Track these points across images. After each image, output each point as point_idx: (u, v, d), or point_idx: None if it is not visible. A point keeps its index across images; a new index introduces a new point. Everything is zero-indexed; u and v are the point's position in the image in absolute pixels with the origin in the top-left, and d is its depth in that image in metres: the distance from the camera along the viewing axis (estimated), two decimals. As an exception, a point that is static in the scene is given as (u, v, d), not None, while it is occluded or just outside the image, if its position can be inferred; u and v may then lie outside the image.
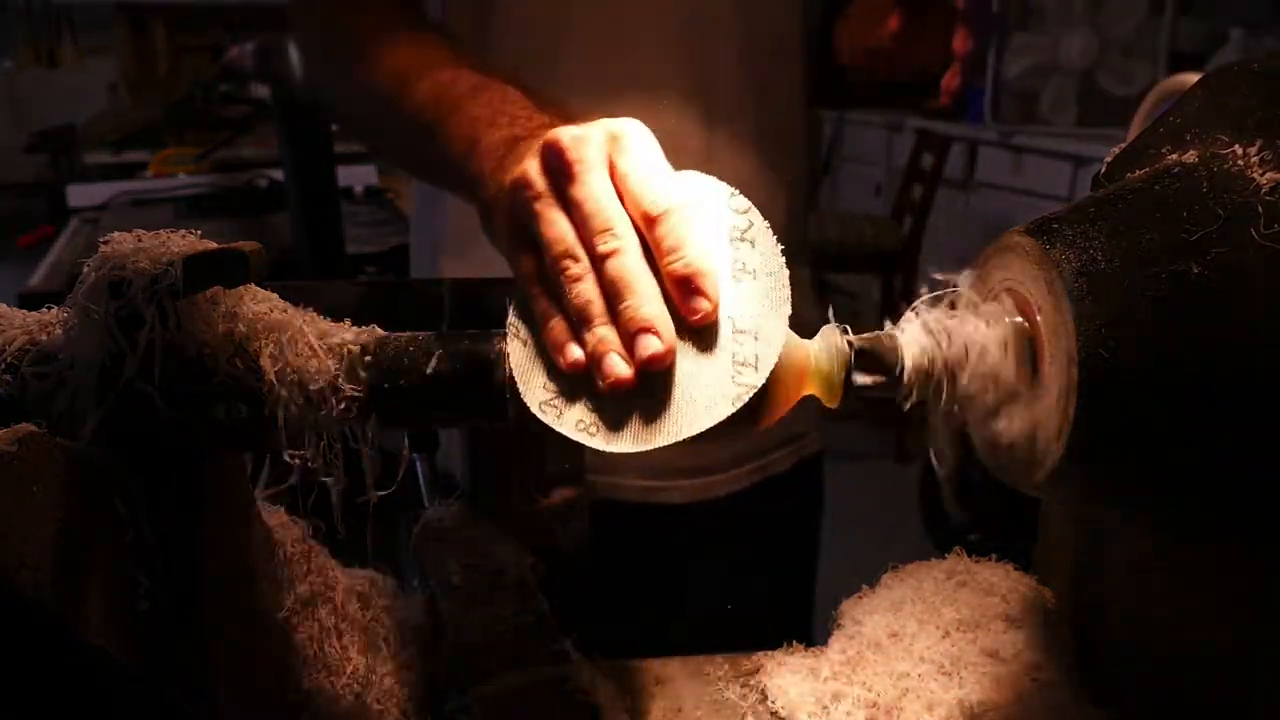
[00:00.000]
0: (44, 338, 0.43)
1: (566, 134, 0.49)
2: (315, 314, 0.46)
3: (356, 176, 2.63)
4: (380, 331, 0.46)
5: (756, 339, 0.46)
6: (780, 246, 0.48)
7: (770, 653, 0.64)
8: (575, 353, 0.46)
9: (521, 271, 0.49)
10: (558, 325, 0.47)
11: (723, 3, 0.83)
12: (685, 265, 0.46)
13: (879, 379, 0.47)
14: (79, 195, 2.54)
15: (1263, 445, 0.42)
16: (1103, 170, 0.53)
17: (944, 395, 0.47)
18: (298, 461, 0.45)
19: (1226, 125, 0.45)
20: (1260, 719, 0.50)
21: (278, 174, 2.28)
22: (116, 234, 0.43)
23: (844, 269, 3.78)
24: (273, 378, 0.43)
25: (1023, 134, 3.46)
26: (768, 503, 0.93)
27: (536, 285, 0.48)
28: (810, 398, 0.48)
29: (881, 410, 0.48)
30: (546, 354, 0.47)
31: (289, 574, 0.53)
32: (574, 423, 0.45)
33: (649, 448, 0.45)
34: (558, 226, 0.48)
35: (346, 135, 3.21)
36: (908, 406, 0.48)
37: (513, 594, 0.59)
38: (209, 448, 0.43)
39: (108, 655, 0.39)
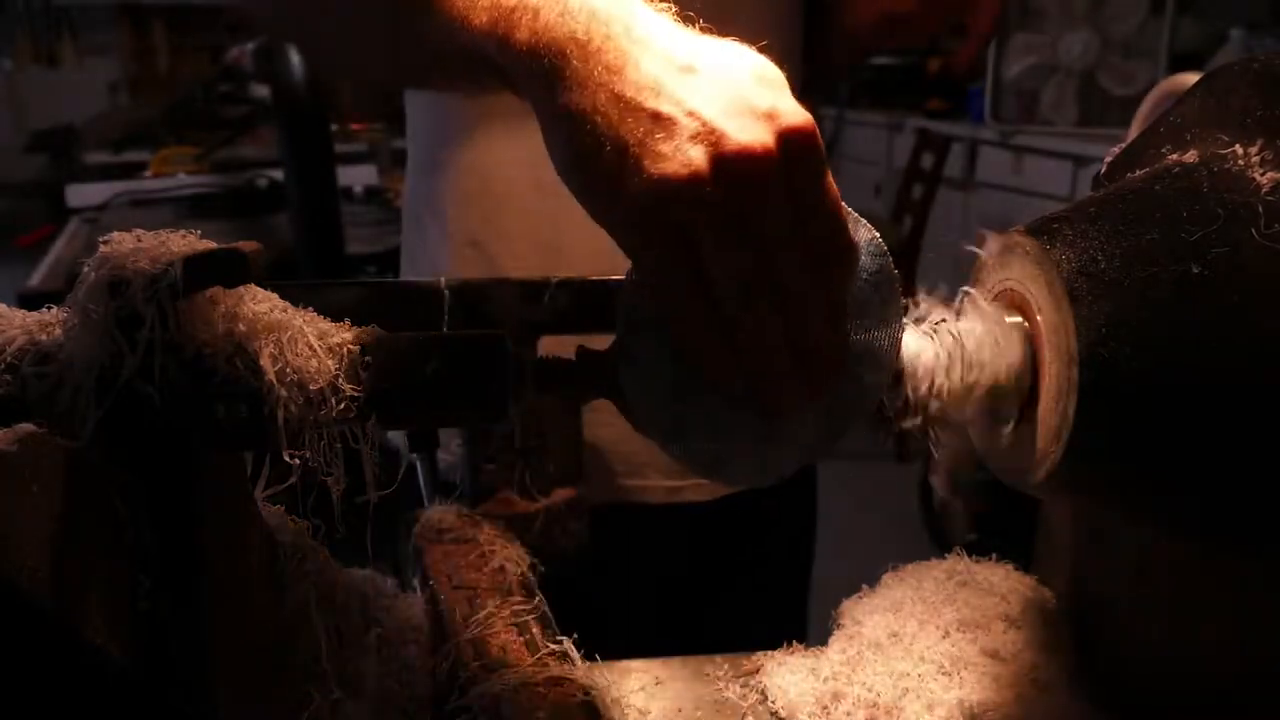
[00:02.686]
0: (44, 338, 0.43)
1: (800, 107, 0.41)
2: (315, 314, 0.46)
3: (356, 176, 2.63)
4: (380, 331, 0.46)
5: (862, 378, 0.46)
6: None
7: (770, 653, 0.64)
8: (732, 382, 0.42)
9: (664, 280, 0.41)
10: (714, 351, 0.42)
11: (741, 9, 0.83)
12: (836, 349, 0.43)
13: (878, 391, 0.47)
14: (79, 195, 2.54)
15: (1262, 445, 0.42)
16: (1103, 170, 0.53)
17: (944, 395, 0.47)
18: (298, 461, 0.45)
19: (1226, 125, 0.45)
20: (1260, 719, 0.50)
21: (278, 174, 2.28)
22: (116, 234, 0.43)
23: (844, 269, 3.77)
24: (273, 378, 0.43)
25: (1023, 134, 3.46)
26: (772, 496, 0.93)
27: (687, 299, 0.41)
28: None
29: (881, 410, 0.48)
30: (673, 368, 0.44)
31: (289, 574, 0.53)
32: (703, 462, 0.46)
33: (760, 484, 0.47)
34: (730, 261, 0.40)
35: (346, 135, 3.20)
36: (908, 406, 0.48)
37: (513, 594, 0.59)
38: (209, 448, 0.43)
39: (108, 655, 0.39)
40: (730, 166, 0.39)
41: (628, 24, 0.42)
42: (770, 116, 0.40)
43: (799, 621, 1.00)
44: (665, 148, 0.39)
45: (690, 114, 0.40)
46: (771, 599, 0.97)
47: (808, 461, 0.47)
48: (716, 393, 0.44)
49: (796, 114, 0.41)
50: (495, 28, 0.43)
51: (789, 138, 0.40)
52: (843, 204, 0.43)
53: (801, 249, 0.41)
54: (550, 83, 0.42)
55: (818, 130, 0.41)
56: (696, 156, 0.39)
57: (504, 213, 0.83)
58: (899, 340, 0.46)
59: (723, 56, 0.42)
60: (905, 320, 0.48)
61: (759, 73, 0.42)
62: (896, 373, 0.47)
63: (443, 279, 0.63)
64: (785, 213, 0.40)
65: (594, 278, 0.66)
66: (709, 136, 0.39)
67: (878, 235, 0.47)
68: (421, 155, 0.90)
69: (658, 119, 0.40)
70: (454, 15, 0.45)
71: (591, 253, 0.63)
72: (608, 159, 0.40)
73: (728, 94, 0.40)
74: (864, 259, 0.46)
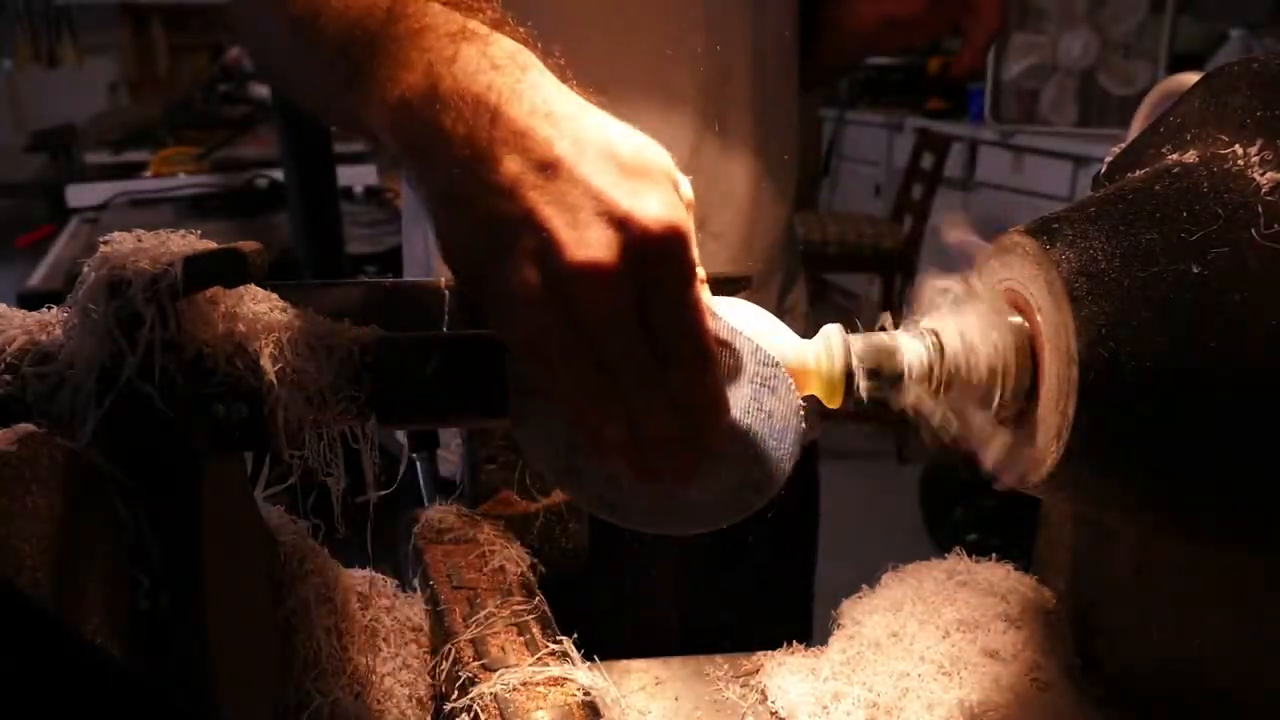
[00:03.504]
0: (44, 338, 0.43)
1: (670, 208, 0.38)
2: (315, 314, 0.46)
3: (356, 176, 2.63)
4: (380, 331, 0.46)
5: (763, 465, 0.46)
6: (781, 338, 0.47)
7: (770, 653, 0.64)
8: (616, 435, 0.41)
9: (541, 342, 0.39)
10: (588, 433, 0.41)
11: (733, 3, 0.83)
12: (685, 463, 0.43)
13: (879, 379, 0.47)
14: (79, 195, 2.54)
15: (1263, 445, 0.42)
16: (1103, 170, 0.53)
17: (944, 395, 0.47)
18: (298, 461, 0.45)
19: (1226, 125, 0.45)
20: (1260, 719, 0.50)
21: (278, 174, 2.28)
22: (116, 234, 0.43)
23: (844, 269, 3.78)
24: (273, 378, 0.43)
25: (1023, 134, 3.46)
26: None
27: (559, 365, 0.39)
28: (809, 396, 0.48)
29: (881, 411, 0.48)
30: (562, 432, 0.44)
31: (289, 574, 0.53)
32: (596, 497, 0.46)
33: (656, 531, 0.47)
34: (581, 367, 0.39)
35: (347, 135, 3.20)
36: (908, 406, 0.48)
37: (513, 594, 0.59)
38: (209, 448, 0.43)
39: (108, 655, 0.39)
40: (565, 279, 0.37)
41: (493, 103, 0.39)
42: (624, 222, 0.37)
43: (803, 621, 1.00)
44: (508, 261, 0.38)
45: (536, 225, 0.38)
46: (774, 599, 0.97)
47: (718, 524, 0.48)
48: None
49: (658, 218, 0.38)
50: (385, 124, 0.42)
51: (642, 244, 0.37)
52: (713, 316, 0.42)
53: (651, 355, 0.39)
54: (421, 179, 0.41)
55: (684, 235, 0.38)
56: (533, 272, 0.38)
57: None
58: (796, 442, 0.46)
59: (592, 145, 0.39)
60: (902, 332, 0.48)
61: (633, 164, 0.39)
62: (896, 374, 0.47)
63: (443, 279, 0.63)
64: (629, 322, 0.38)
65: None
66: (548, 250, 0.37)
67: (761, 348, 0.45)
68: None
69: (505, 225, 0.38)
70: (361, 109, 0.43)
71: None
72: (465, 259, 0.40)
73: (581, 196, 0.38)
74: (750, 364, 0.45)
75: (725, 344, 0.44)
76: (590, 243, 0.37)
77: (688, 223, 0.39)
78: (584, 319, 0.38)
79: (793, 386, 0.46)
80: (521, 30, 0.45)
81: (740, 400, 0.45)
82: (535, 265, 0.38)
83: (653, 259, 0.38)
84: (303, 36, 0.48)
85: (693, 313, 0.39)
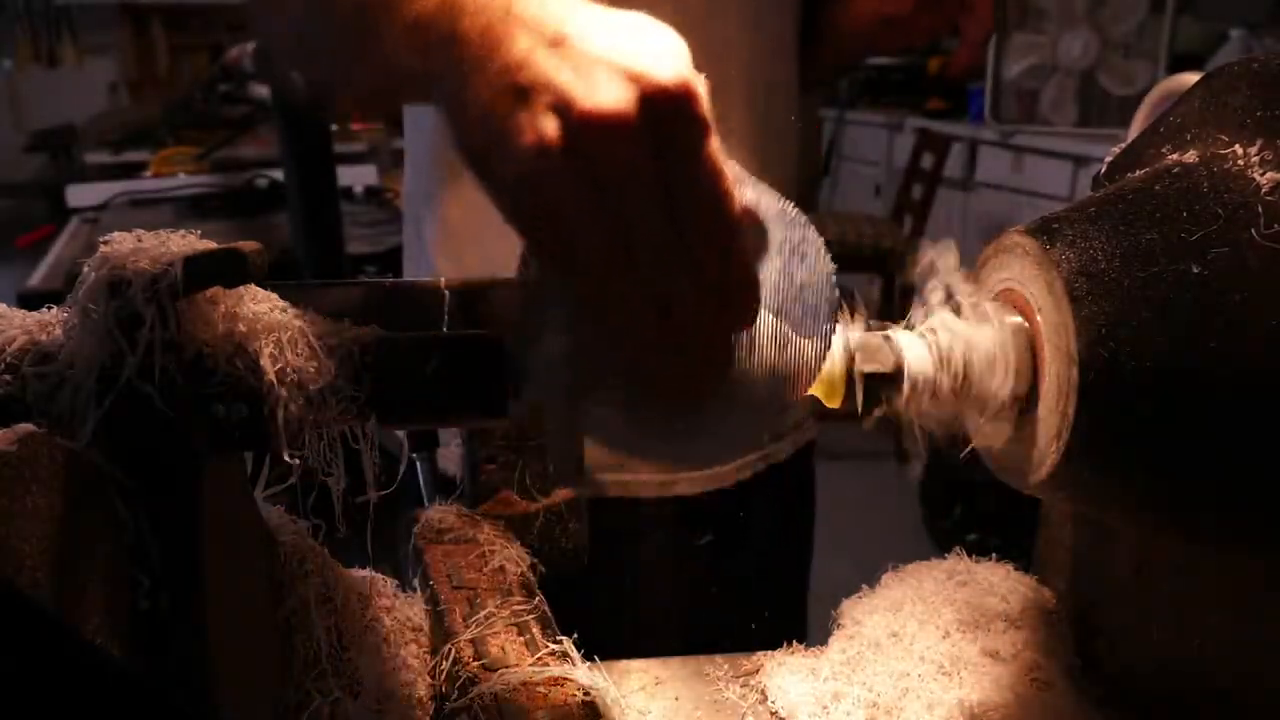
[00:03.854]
0: (44, 338, 0.43)
1: (676, 65, 0.38)
2: (315, 314, 0.46)
3: (356, 176, 2.64)
4: (380, 331, 0.46)
5: (797, 350, 0.43)
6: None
7: (770, 653, 0.64)
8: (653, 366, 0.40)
9: (543, 256, 0.40)
10: (599, 331, 0.40)
11: (731, 3, 0.83)
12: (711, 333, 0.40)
13: (879, 379, 0.47)
14: (79, 195, 2.54)
15: (1263, 445, 0.42)
16: (1103, 170, 0.53)
17: (943, 395, 0.47)
18: (298, 461, 0.45)
19: (1226, 125, 0.45)
20: (1260, 719, 0.50)
21: (278, 174, 2.28)
22: (116, 234, 0.43)
23: (844, 269, 3.77)
24: (273, 378, 0.43)
25: (1023, 134, 3.46)
26: (769, 491, 0.94)
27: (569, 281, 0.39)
28: (808, 396, 0.48)
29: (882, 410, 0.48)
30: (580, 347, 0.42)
31: (289, 574, 0.53)
32: (601, 430, 0.44)
33: (674, 464, 0.43)
34: (597, 228, 0.38)
35: (346, 135, 3.20)
36: (908, 406, 0.48)
37: (513, 594, 0.59)
38: (209, 448, 0.43)
39: (108, 655, 0.39)
40: (580, 132, 0.37)
41: (508, 5, 0.40)
42: (637, 78, 0.37)
43: (799, 619, 1.00)
44: (522, 121, 0.37)
45: (547, 84, 0.37)
46: (770, 596, 0.97)
47: (738, 455, 0.44)
48: (604, 370, 0.42)
49: (672, 75, 0.37)
50: (407, 47, 0.43)
51: (655, 98, 0.37)
52: (737, 171, 0.40)
53: (672, 221, 0.38)
54: (442, 84, 0.41)
55: (696, 92, 0.38)
56: (549, 126, 0.37)
57: (489, 237, 0.83)
58: (830, 316, 0.43)
59: (602, 24, 0.39)
60: (902, 331, 0.47)
61: (642, 37, 0.39)
62: (896, 373, 0.47)
63: (443, 279, 0.63)
64: (648, 180, 0.37)
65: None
66: (561, 102, 0.37)
67: (791, 205, 0.43)
68: (422, 153, 0.90)
69: (518, 94, 0.38)
70: (384, 46, 0.45)
71: None
72: (482, 142, 0.39)
73: (592, 59, 0.38)
74: (777, 230, 0.43)
75: (748, 209, 0.41)
76: (605, 96, 0.37)
77: (701, 83, 0.38)
78: (602, 172, 0.37)
79: (824, 250, 0.43)
80: None
81: (770, 275, 0.42)
82: (551, 122, 0.37)
83: (668, 113, 0.37)
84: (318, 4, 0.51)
85: (712, 165, 0.38)
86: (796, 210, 0.43)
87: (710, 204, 0.38)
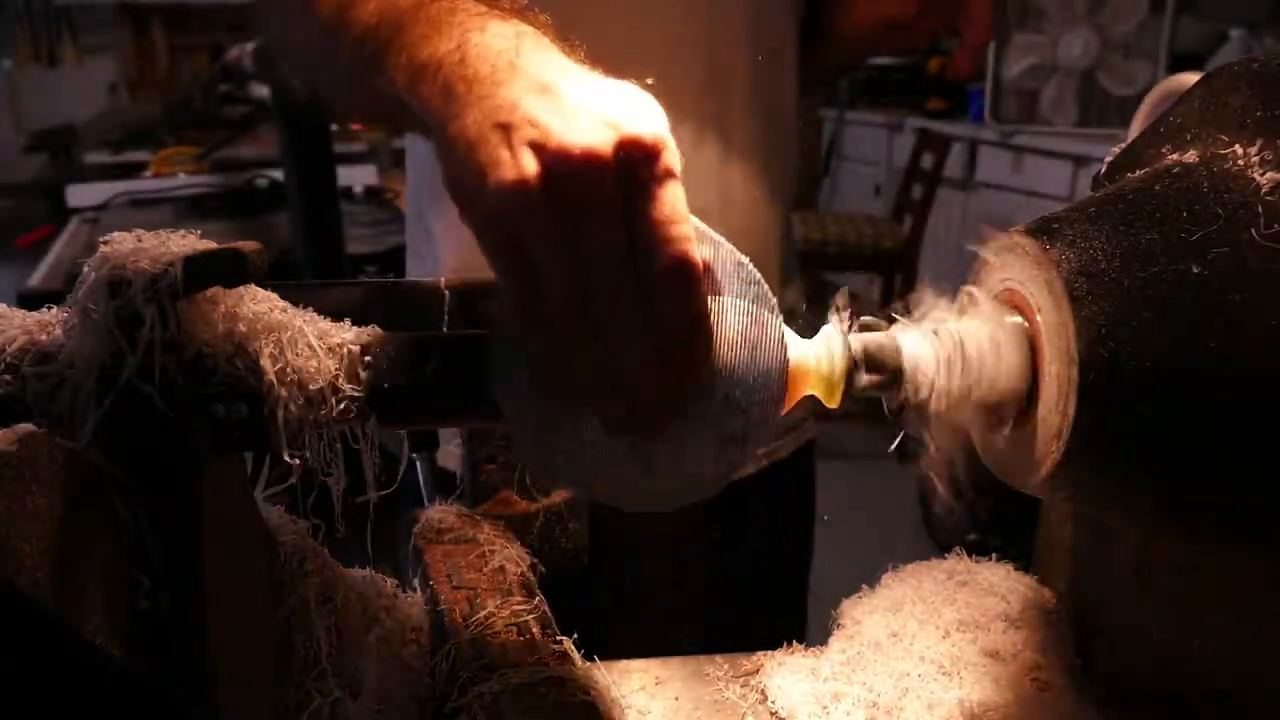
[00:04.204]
0: (44, 338, 0.43)
1: (654, 122, 0.40)
2: (315, 314, 0.46)
3: (356, 176, 2.64)
4: (380, 331, 0.46)
5: (746, 414, 0.44)
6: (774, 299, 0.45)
7: (770, 653, 0.64)
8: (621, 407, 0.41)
9: (510, 286, 0.41)
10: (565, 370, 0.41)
11: (733, 7, 0.83)
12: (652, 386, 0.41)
13: (879, 379, 0.47)
14: (79, 195, 2.54)
15: (1263, 445, 0.42)
16: (1103, 170, 0.53)
17: (943, 396, 0.47)
18: (298, 461, 0.45)
19: (1226, 125, 0.45)
20: (1260, 719, 0.50)
21: (278, 174, 2.28)
22: (116, 234, 0.43)
23: (844, 269, 3.78)
24: (273, 378, 0.43)
25: (1023, 134, 3.46)
26: (769, 489, 0.94)
27: (530, 314, 0.41)
28: (808, 396, 0.48)
29: (881, 410, 0.48)
30: (539, 396, 0.43)
31: (289, 574, 0.53)
32: (569, 476, 0.45)
33: (636, 509, 0.45)
34: (561, 255, 0.39)
35: (346, 135, 3.20)
36: (908, 406, 0.48)
37: (513, 594, 0.59)
38: (209, 448, 0.43)
39: (108, 655, 0.39)
40: (554, 166, 0.39)
41: (511, 57, 0.43)
42: (615, 125, 0.40)
43: (798, 620, 1.00)
44: (503, 155, 0.40)
45: (531, 121, 0.40)
46: (770, 596, 0.97)
47: (703, 494, 0.46)
48: (571, 408, 0.43)
49: (648, 127, 0.40)
50: (410, 84, 0.46)
51: (629, 145, 0.39)
52: (698, 228, 0.42)
53: (630, 263, 0.40)
54: (438, 121, 0.43)
55: (670, 147, 0.40)
56: (527, 162, 0.39)
57: None
58: (779, 366, 0.44)
59: (592, 81, 0.42)
60: (903, 332, 0.47)
61: (625, 97, 0.41)
62: (896, 373, 0.47)
63: (442, 279, 0.63)
64: (614, 221, 0.39)
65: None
66: (542, 139, 0.39)
67: (746, 261, 0.44)
68: (425, 152, 0.90)
69: (503, 130, 0.40)
70: (389, 73, 0.48)
71: None
72: (468, 176, 0.41)
73: (576, 105, 0.40)
74: (733, 284, 0.44)
75: (707, 265, 0.43)
76: (582, 135, 0.39)
77: (671, 140, 0.41)
78: (571, 209, 0.39)
79: (775, 308, 0.44)
80: (543, 18, 0.48)
81: (724, 327, 0.43)
82: (529, 158, 0.39)
83: (640, 160, 0.39)
84: (334, 23, 0.54)
85: (676, 217, 0.40)
86: (752, 269, 0.44)
87: (670, 253, 0.39)
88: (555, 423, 0.44)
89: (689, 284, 0.40)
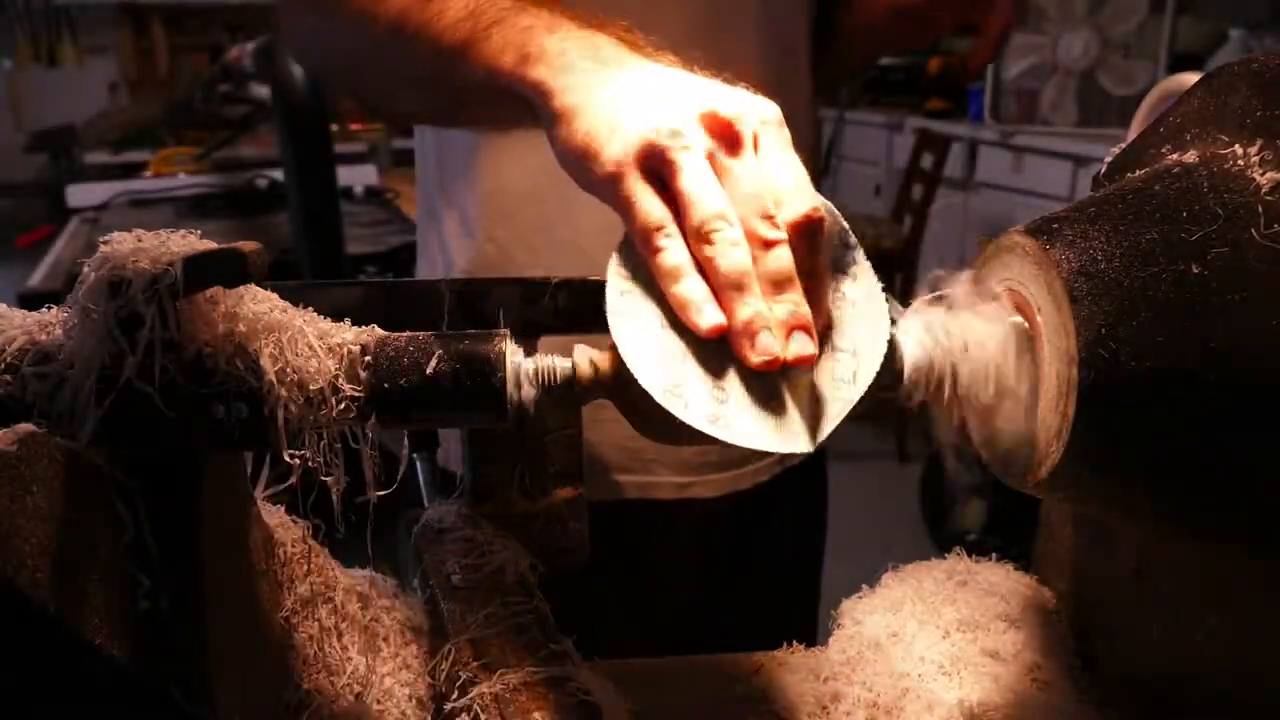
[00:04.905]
0: (44, 338, 0.43)
1: (737, 99, 0.48)
2: (315, 314, 0.46)
3: (356, 176, 2.64)
4: (380, 331, 0.46)
5: (855, 355, 0.47)
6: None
7: (770, 653, 0.64)
8: (715, 316, 0.44)
9: (644, 218, 0.45)
10: (693, 284, 0.44)
11: (745, 10, 0.83)
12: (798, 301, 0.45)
13: (880, 379, 0.47)
14: (79, 195, 2.54)
15: (1262, 445, 0.42)
16: (1103, 170, 0.53)
17: (944, 395, 0.47)
18: (298, 461, 0.45)
19: (1226, 125, 0.45)
20: (1260, 719, 0.50)
21: (278, 174, 2.28)
22: (116, 234, 0.43)
23: (844, 269, 3.77)
24: (273, 378, 0.43)
25: (1023, 134, 3.46)
26: (783, 494, 0.93)
27: (665, 236, 0.45)
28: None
29: (881, 410, 0.48)
30: (663, 330, 0.45)
31: (289, 574, 0.53)
32: (703, 415, 0.44)
33: (771, 450, 0.44)
34: (711, 188, 0.45)
35: (346, 135, 3.20)
36: (908, 406, 0.48)
37: (513, 594, 0.59)
38: (209, 448, 0.43)
39: (108, 655, 0.39)
40: (709, 118, 0.46)
41: (620, 60, 0.51)
42: (743, 100, 0.48)
43: (809, 622, 1.00)
44: (652, 109, 0.47)
45: (674, 87, 0.48)
46: (782, 599, 0.97)
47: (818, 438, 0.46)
48: (699, 343, 0.45)
49: (766, 101, 0.49)
50: (518, 66, 0.53)
51: (756, 109, 0.48)
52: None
53: (759, 174, 0.46)
54: (553, 98, 0.51)
55: (736, 114, 0.47)
56: (675, 112, 0.46)
57: (527, 212, 0.83)
58: (882, 320, 0.47)
59: (699, 79, 0.50)
60: (900, 320, 0.48)
61: (739, 90, 0.49)
62: (896, 373, 0.47)
63: (442, 279, 0.63)
64: (751, 164, 0.46)
65: (594, 278, 0.66)
66: (692, 96, 0.47)
67: (843, 221, 0.50)
68: (438, 152, 0.89)
69: (647, 89, 0.48)
70: (486, 58, 0.55)
71: None
72: (596, 138, 0.47)
73: (707, 84, 0.49)
74: (839, 248, 0.49)
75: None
76: (725, 97, 0.48)
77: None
78: (720, 145, 0.46)
79: (873, 274, 0.50)
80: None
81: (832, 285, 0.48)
82: (678, 109, 0.47)
83: (763, 122, 0.48)
84: (402, 19, 0.62)
85: (798, 167, 0.47)
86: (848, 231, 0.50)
87: (792, 171, 0.47)
88: (684, 364, 0.45)
89: (818, 231, 0.46)
